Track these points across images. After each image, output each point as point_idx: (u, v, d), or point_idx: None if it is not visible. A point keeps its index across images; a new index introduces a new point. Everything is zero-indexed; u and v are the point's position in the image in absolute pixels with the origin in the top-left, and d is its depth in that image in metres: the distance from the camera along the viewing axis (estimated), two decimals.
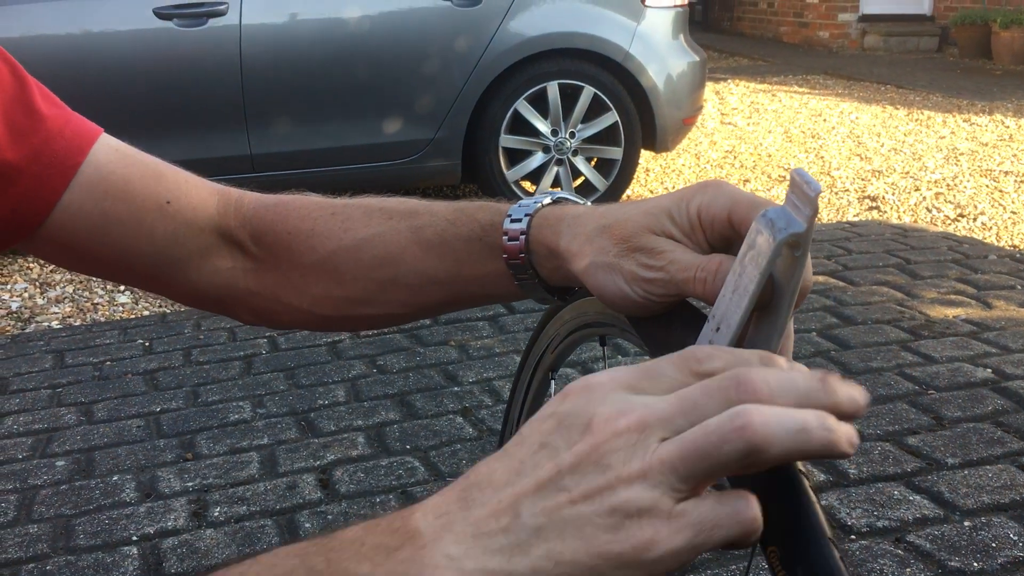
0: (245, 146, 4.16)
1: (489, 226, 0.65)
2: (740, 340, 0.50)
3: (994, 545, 1.97)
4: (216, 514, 2.16)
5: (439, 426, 2.53)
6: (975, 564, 1.91)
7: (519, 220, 0.63)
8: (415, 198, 0.72)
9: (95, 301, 3.71)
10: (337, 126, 4.25)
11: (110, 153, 0.70)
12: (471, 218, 0.67)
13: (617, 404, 0.38)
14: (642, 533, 0.36)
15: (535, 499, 0.37)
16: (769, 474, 0.43)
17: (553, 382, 0.88)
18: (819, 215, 4.55)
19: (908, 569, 1.90)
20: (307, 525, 2.11)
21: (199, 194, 0.73)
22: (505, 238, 0.63)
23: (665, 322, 0.57)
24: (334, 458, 2.39)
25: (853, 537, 2.01)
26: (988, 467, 2.26)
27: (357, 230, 0.70)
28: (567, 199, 0.66)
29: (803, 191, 0.44)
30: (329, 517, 2.14)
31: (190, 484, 2.29)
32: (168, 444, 2.49)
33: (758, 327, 0.50)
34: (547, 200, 0.65)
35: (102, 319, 3.54)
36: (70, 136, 0.69)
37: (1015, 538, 1.99)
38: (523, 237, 0.62)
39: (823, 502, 2.12)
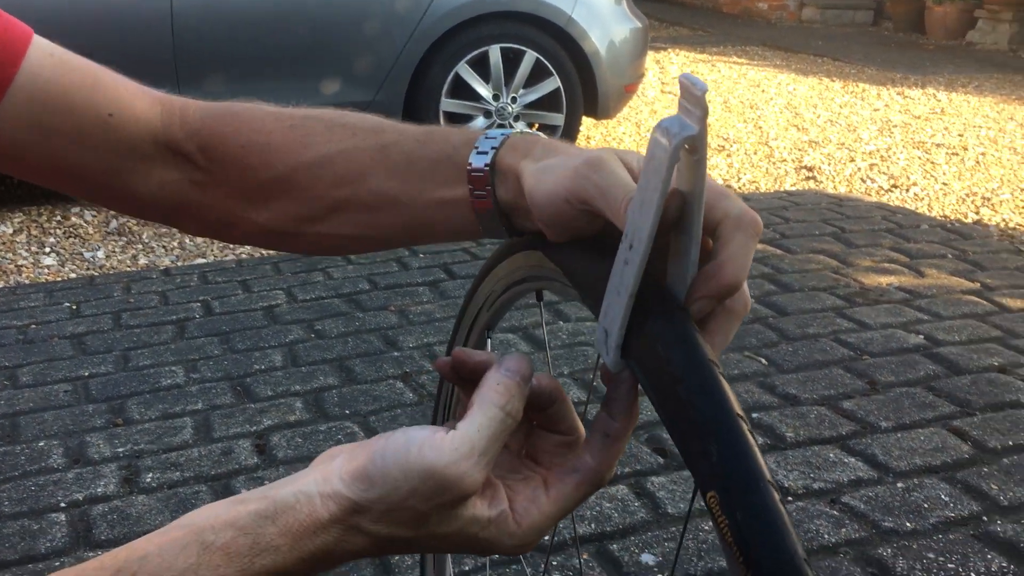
0: None
1: (461, 144, 0.63)
2: (661, 254, 0.51)
3: (926, 506, 2.01)
4: (148, 480, 2.10)
5: (379, 391, 2.50)
6: (908, 524, 1.95)
7: (493, 138, 0.62)
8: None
9: (19, 263, 3.58)
10: (273, 86, 4.14)
11: (45, 60, 0.66)
12: (443, 138, 0.64)
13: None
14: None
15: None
16: (706, 420, 0.44)
17: (489, 340, 0.85)
18: (757, 184, 4.61)
19: (843, 529, 1.93)
20: (243, 491, 2.06)
21: (141, 104, 0.70)
22: (474, 151, 0.61)
23: (588, 255, 0.57)
24: (271, 423, 2.34)
25: (790, 499, 2.03)
26: (920, 430, 2.30)
27: (318, 146, 0.66)
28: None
29: (692, 94, 0.44)
30: (266, 482, 2.09)
31: (120, 450, 2.22)
32: (97, 409, 2.41)
33: (676, 240, 0.50)
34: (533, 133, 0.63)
35: (26, 281, 3.42)
36: (0, 43, 0.64)
37: (946, 499, 2.03)
38: (493, 151, 0.61)
39: None
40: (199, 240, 3.76)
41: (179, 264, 3.52)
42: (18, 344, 2.80)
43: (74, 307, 3.08)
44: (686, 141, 0.45)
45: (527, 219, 0.60)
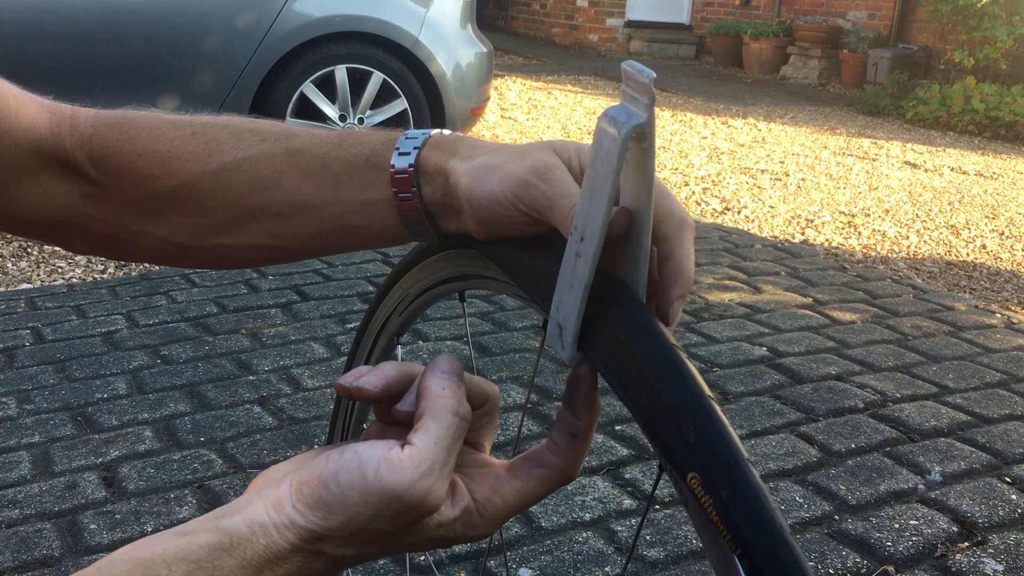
0: None
1: (380, 145, 0.60)
2: (616, 250, 0.50)
3: (783, 507, 2.10)
4: None
5: (235, 417, 2.39)
6: None
7: (415, 138, 0.60)
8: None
9: None
10: (108, 100, 3.93)
11: None
12: (358, 140, 0.62)
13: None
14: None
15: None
16: (679, 404, 0.44)
17: (400, 347, 0.83)
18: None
19: None
20: (92, 526, 1.93)
21: (28, 112, 0.64)
22: (395, 153, 0.59)
23: (530, 251, 0.56)
24: (118, 454, 2.20)
25: (657, 507, 2.08)
26: (771, 436, 2.41)
27: (224, 152, 0.63)
28: None
29: (637, 81, 0.44)
30: (117, 516, 1.96)
31: None
32: None
33: (629, 231, 0.50)
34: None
35: None
36: None
37: (800, 500, 2.14)
38: (416, 151, 0.59)
39: (626, 475, 2.19)
40: (23, 263, 3.51)
41: (2, 289, 3.27)
42: None
43: None
44: (635, 130, 0.44)
45: (454, 219, 0.59)
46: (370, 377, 0.51)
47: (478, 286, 0.68)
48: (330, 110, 4.36)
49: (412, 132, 0.61)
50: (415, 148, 0.59)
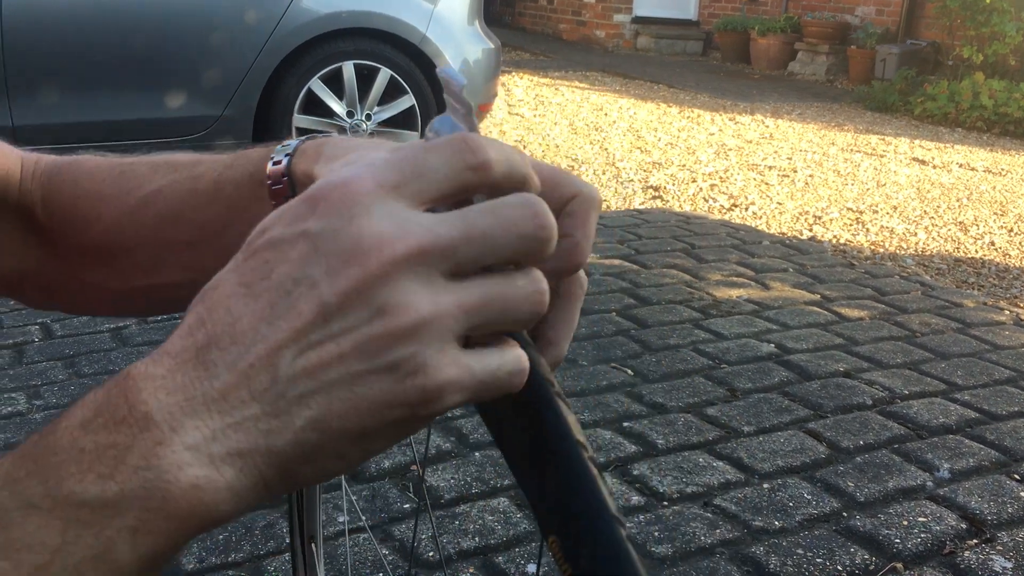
0: (6, 116, 3.77)
1: (259, 160, 0.57)
2: None
3: (791, 504, 2.10)
4: None
5: None
6: (776, 523, 2.03)
7: (287, 147, 0.56)
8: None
9: None
10: (114, 98, 3.94)
11: None
12: (246, 157, 0.59)
13: (388, 220, 0.31)
14: (423, 392, 0.31)
15: (295, 355, 0.30)
16: (540, 451, 0.38)
17: None
18: (603, 204, 4.74)
19: (717, 530, 2.00)
20: None
21: (5, 161, 0.62)
22: (270, 163, 0.56)
23: None
24: None
25: (665, 503, 2.08)
26: (779, 433, 2.41)
27: (141, 188, 0.60)
28: None
29: (452, 90, 0.42)
30: None
31: None
32: None
33: None
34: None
35: None
36: None
37: (809, 497, 2.13)
38: (287, 158, 0.54)
39: (635, 472, 2.19)
40: None
41: None
42: None
43: None
44: None
45: None
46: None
47: None
48: (337, 106, 4.36)
49: (290, 141, 0.57)
50: (287, 155, 0.55)
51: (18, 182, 0.62)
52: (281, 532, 1.92)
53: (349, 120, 4.39)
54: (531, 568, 1.85)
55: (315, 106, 4.34)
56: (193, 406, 0.30)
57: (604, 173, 5.37)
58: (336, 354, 0.30)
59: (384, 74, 4.40)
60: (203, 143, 4.14)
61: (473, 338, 0.33)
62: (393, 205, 0.31)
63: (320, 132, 4.28)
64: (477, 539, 1.92)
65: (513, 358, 0.33)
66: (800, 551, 1.94)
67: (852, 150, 6.41)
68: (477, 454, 2.23)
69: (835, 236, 4.35)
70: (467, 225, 0.32)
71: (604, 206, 4.70)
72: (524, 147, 5.92)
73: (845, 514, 2.08)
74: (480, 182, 0.33)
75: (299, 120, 4.30)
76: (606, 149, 6.01)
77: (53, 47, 3.82)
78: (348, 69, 4.34)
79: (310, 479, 0.32)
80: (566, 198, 0.43)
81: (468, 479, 2.13)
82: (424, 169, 0.33)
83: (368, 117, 4.42)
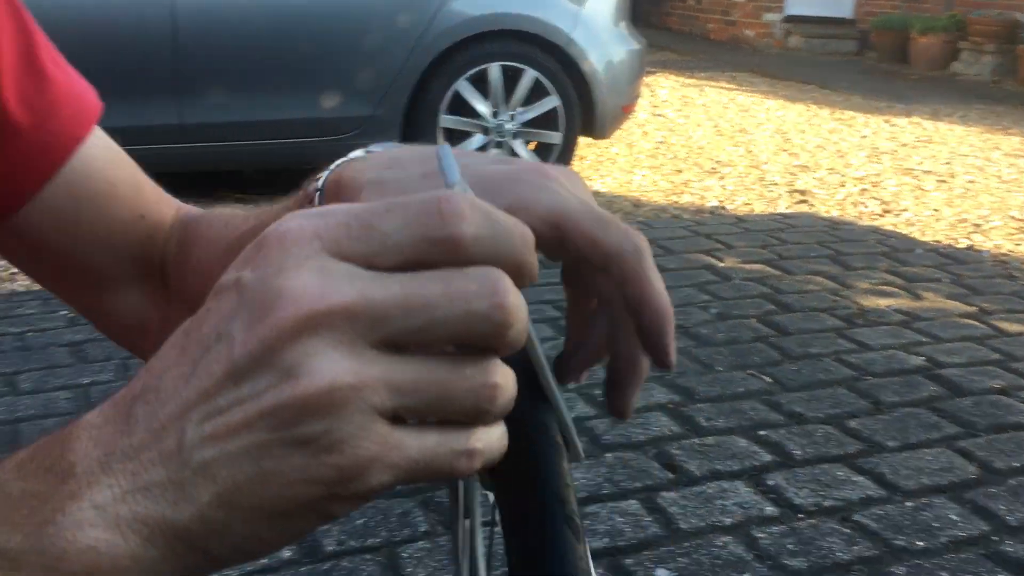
0: (175, 114, 4.01)
1: (306, 182, 0.54)
2: None
3: (936, 525, 2.02)
4: None
5: None
6: (919, 543, 1.95)
7: (330, 165, 0.51)
8: None
9: (12, 270, 3.54)
10: (273, 98, 4.14)
11: (99, 145, 0.58)
12: (301, 188, 0.55)
13: (317, 275, 0.27)
14: (339, 470, 0.27)
15: (201, 419, 0.27)
16: (522, 515, 0.36)
17: None
18: (751, 206, 4.64)
19: (855, 547, 1.94)
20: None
21: (167, 209, 0.62)
22: (308, 184, 0.52)
23: None
24: None
25: (801, 516, 2.03)
26: (926, 450, 2.32)
27: (232, 233, 0.57)
28: None
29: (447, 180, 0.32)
30: None
31: None
32: None
33: None
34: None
35: (21, 289, 3.37)
36: (67, 118, 0.56)
37: (955, 518, 2.04)
38: (324, 174, 0.50)
39: (769, 481, 2.15)
40: None
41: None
42: (16, 351, 2.77)
43: (71, 315, 3.04)
44: None
45: None
46: None
47: None
48: (483, 107, 4.44)
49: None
50: (328, 170, 0.50)
51: (169, 230, 0.62)
52: (415, 520, 1.98)
53: (493, 120, 4.46)
54: (660, 572, 1.84)
55: (460, 106, 4.43)
56: (111, 462, 0.27)
57: (747, 176, 5.26)
58: (242, 421, 0.26)
59: (529, 75, 4.45)
60: (353, 142, 4.28)
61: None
62: (329, 261, 0.27)
63: (467, 133, 4.37)
64: (606, 540, 1.93)
65: (459, 439, 0.28)
66: (943, 574, 1.86)
67: (1018, 155, 6.05)
68: (609, 455, 2.24)
69: (996, 246, 4.13)
70: (407, 292, 0.27)
71: (747, 209, 4.61)
72: (667, 148, 5.87)
73: (995, 538, 1.98)
74: (443, 259, 0.28)
75: (445, 120, 4.40)
76: (751, 151, 5.89)
77: (221, 51, 4.04)
78: (494, 70, 4.41)
79: (228, 559, 0.28)
80: (606, 257, 0.37)
81: (599, 480, 2.14)
82: (375, 232, 0.28)
83: (512, 118, 4.48)
